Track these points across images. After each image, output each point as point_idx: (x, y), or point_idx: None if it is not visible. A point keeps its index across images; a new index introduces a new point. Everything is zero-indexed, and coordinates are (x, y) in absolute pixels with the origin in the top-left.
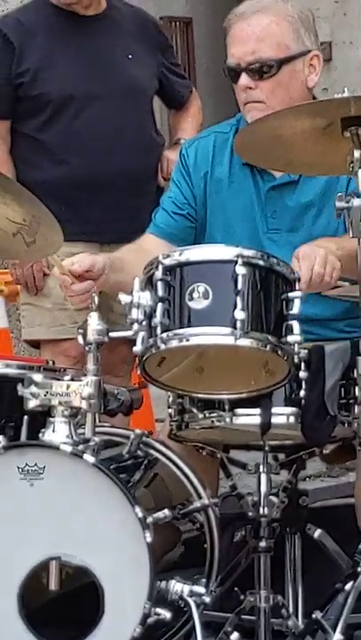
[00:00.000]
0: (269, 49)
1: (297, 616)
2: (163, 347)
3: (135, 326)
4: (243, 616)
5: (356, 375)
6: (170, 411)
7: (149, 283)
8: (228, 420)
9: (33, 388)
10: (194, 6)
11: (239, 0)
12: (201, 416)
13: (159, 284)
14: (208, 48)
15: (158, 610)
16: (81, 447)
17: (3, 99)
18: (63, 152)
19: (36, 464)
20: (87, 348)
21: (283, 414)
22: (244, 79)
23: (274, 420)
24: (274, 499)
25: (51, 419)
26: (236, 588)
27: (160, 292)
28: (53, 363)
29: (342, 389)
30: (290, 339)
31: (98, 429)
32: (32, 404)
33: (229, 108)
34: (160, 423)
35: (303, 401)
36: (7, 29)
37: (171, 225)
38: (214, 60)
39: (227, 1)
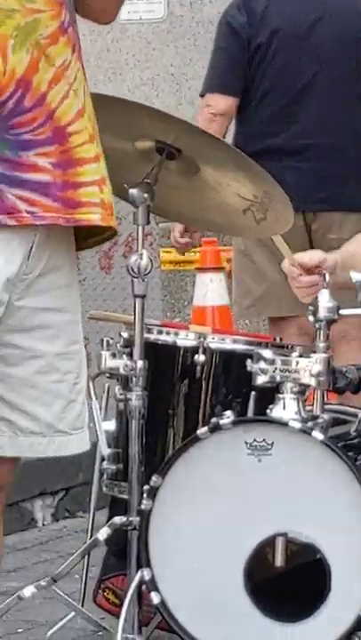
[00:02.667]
0: None
1: None
2: None
3: None
4: None
5: None
6: None
7: None
8: None
9: (262, 364)
10: None
11: None
12: None
13: None
14: None
15: None
16: (310, 424)
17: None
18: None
19: (264, 440)
20: (317, 326)
21: None
22: None
23: None
24: None
25: (280, 395)
26: None
27: None
28: (281, 339)
29: None
30: None
31: (326, 407)
32: (261, 380)
33: None
34: None
35: None
36: None
37: None
38: None
39: None
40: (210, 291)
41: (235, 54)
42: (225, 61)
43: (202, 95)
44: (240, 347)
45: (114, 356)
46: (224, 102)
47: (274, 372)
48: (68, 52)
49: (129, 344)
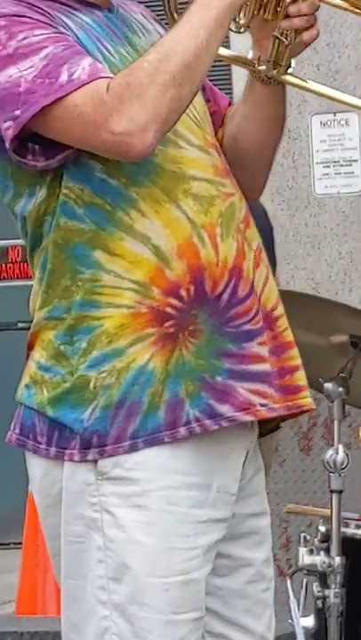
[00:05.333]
0: None
1: None
2: None
3: None
4: None
5: None
6: None
7: None
8: None
9: None
10: None
11: None
12: None
13: None
14: None
15: None
16: None
17: None
18: None
19: None
20: None
21: None
22: None
23: None
24: None
25: None
26: None
27: None
28: None
29: None
30: None
31: None
32: None
33: None
34: None
35: None
36: None
37: None
38: None
39: None
40: None
41: None
42: None
43: None
44: None
45: (311, 552)
46: None
47: None
48: (258, 235)
49: (326, 539)
